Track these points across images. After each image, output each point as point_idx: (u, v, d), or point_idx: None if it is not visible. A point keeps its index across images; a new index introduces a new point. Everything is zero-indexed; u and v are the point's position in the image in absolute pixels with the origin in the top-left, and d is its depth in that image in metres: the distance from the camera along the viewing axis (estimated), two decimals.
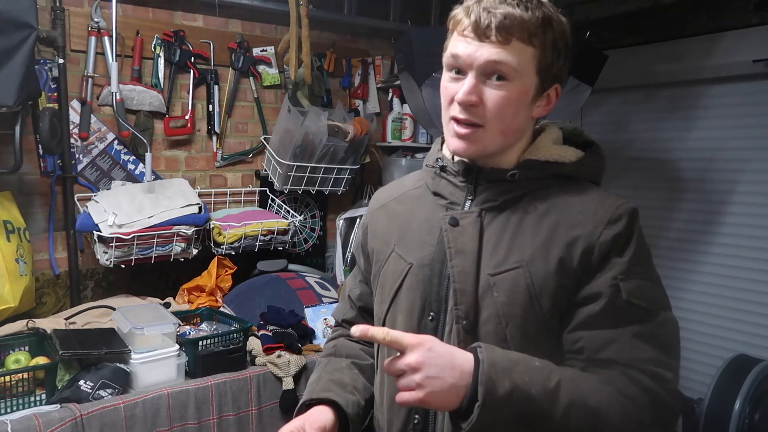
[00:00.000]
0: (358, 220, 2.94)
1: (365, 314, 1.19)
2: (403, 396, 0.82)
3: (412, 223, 1.06)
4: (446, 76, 0.96)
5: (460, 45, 0.91)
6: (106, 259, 2.13)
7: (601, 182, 1.02)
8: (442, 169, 1.03)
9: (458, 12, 0.93)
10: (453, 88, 0.93)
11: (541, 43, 0.90)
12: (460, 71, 0.93)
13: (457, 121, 0.94)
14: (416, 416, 0.98)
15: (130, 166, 2.42)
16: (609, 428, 0.84)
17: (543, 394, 0.82)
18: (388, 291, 1.05)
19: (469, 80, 0.91)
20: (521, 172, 0.96)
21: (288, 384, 2.01)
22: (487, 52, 0.89)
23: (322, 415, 1.03)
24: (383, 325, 1.06)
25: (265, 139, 2.73)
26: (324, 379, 1.11)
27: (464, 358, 0.83)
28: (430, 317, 0.98)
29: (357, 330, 0.83)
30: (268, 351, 2.05)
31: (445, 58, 0.95)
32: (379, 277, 1.08)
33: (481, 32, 0.89)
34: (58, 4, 2.16)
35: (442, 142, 1.08)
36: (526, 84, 0.92)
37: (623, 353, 0.87)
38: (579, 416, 0.82)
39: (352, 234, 2.92)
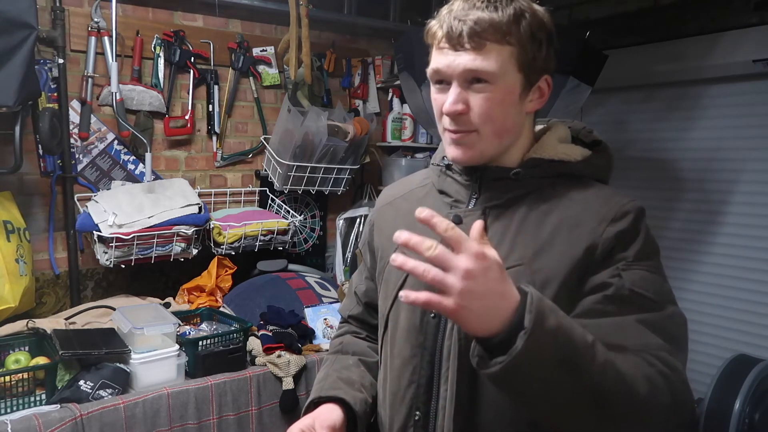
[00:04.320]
0: (358, 220, 2.94)
1: (371, 310, 1.20)
2: (432, 297, 0.72)
3: (417, 221, 1.05)
4: (433, 88, 0.97)
5: (439, 57, 0.92)
6: (106, 259, 2.13)
7: (608, 181, 1.02)
8: (448, 167, 1.04)
9: (433, 24, 0.94)
10: (441, 100, 0.94)
11: (517, 39, 0.90)
12: (443, 82, 0.94)
13: (450, 131, 0.95)
14: (417, 413, 0.98)
15: (130, 166, 2.41)
16: (637, 400, 0.78)
17: (583, 344, 0.76)
18: (392, 288, 1.05)
19: (453, 90, 0.92)
20: (525, 171, 0.96)
21: (288, 384, 2.00)
22: (463, 60, 0.89)
23: (332, 413, 1.03)
24: (386, 322, 1.06)
25: (265, 139, 2.73)
26: (332, 377, 1.11)
27: (513, 290, 0.75)
28: (432, 314, 0.98)
29: (423, 212, 0.74)
30: (268, 351, 2.05)
31: (428, 71, 0.96)
32: (384, 273, 1.09)
33: (455, 41, 0.89)
34: (58, 4, 2.16)
35: None
36: (509, 83, 0.91)
37: (632, 339, 0.84)
38: (613, 378, 0.77)
39: (352, 234, 2.93)
